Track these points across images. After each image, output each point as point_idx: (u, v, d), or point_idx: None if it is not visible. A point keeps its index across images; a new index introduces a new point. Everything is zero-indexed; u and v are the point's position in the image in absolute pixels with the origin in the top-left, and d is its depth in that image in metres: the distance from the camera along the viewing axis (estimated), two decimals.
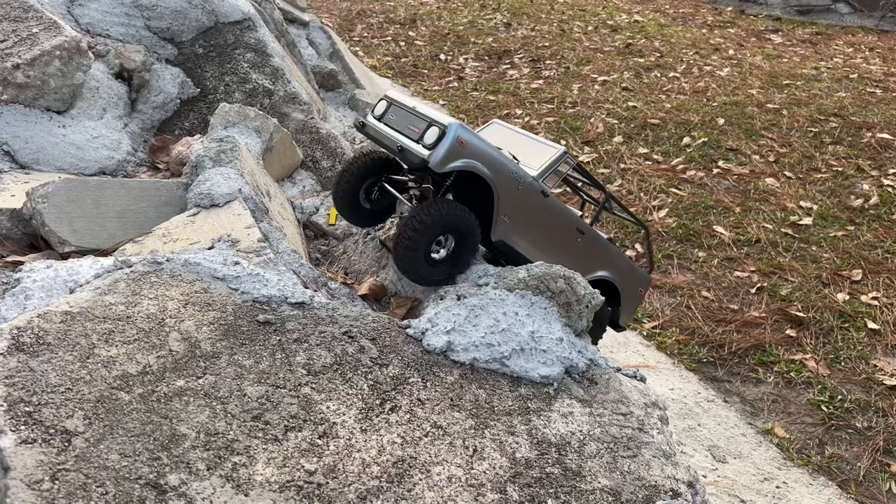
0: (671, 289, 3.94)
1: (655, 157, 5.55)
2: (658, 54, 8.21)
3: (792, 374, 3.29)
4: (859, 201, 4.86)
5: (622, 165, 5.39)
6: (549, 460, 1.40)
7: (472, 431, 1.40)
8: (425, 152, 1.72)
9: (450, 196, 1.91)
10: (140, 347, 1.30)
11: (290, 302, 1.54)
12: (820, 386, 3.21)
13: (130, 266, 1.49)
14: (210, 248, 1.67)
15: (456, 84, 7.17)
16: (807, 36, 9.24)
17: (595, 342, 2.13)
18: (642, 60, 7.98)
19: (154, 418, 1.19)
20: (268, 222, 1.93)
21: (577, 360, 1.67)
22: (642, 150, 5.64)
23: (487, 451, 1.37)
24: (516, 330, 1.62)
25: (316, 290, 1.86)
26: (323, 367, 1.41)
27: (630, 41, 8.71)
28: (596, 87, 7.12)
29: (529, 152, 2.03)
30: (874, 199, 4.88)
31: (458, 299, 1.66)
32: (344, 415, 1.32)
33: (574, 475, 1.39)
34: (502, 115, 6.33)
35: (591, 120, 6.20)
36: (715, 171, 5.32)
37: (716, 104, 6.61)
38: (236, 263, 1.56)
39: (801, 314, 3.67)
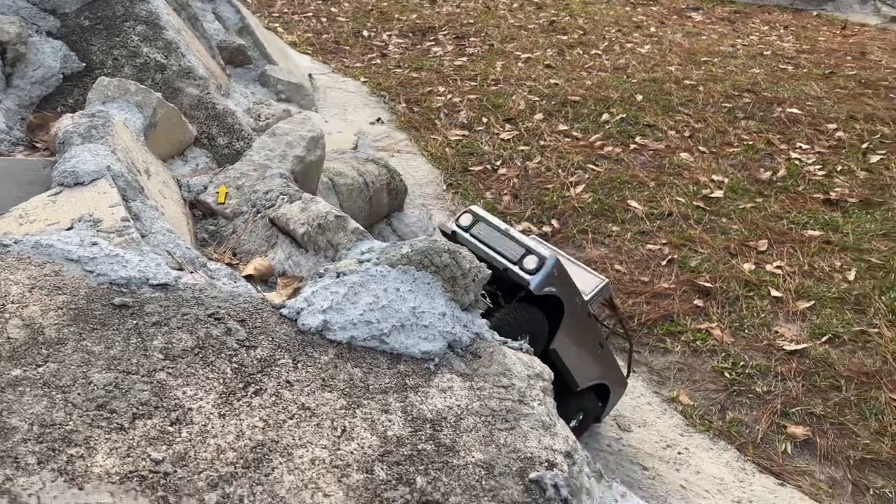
0: (585, 263, 3.97)
1: (575, 133, 5.58)
2: (581, 32, 8.25)
3: (698, 342, 3.36)
4: (768, 174, 5.00)
5: (542, 142, 5.40)
6: (423, 437, 1.37)
7: (343, 411, 1.36)
8: (528, 277, 2.10)
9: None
10: None
11: (152, 283, 1.46)
12: (724, 353, 3.29)
13: None
14: (69, 229, 1.57)
15: (378, 61, 7.05)
16: (726, 14, 9.43)
17: (581, 433, 2.62)
18: (565, 38, 8.01)
19: None
20: (141, 201, 1.83)
21: (460, 334, 1.64)
22: (562, 127, 5.67)
23: (357, 430, 1.33)
24: (397, 306, 1.58)
25: (192, 272, 1.78)
26: (182, 352, 1.34)
27: (554, 18, 8.72)
28: (519, 64, 7.11)
29: (578, 277, 2.37)
30: (782, 172, 5.03)
31: (338, 276, 1.61)
32: (201, 400, 1.26)
33: (447, 450, 1.36)
34: (425, 93, 6.26)
35: (514, 97, 6.19)
36: (632, 146, 5.38)
37: (635, 81, 6.69)
38: (94, 244, 1.47)
39: (708, 284, 3.75)
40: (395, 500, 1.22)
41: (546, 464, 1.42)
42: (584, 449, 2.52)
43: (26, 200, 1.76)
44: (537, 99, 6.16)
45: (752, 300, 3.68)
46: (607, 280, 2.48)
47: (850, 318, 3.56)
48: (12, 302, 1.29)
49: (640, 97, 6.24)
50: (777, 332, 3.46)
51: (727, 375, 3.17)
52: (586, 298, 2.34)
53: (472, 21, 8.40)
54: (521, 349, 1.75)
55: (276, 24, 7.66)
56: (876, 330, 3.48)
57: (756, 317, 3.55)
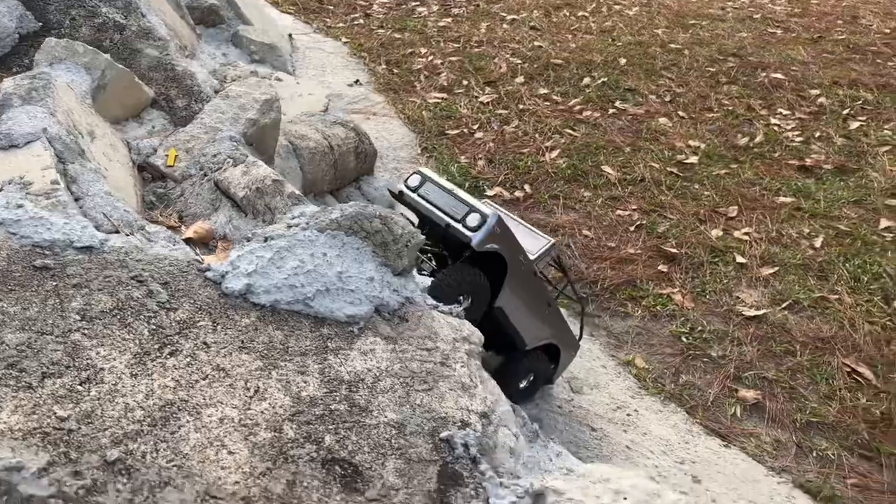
0: (553, 228, 3.99)
1: (555, 97, 5.55)
2: None
3: (658, 307, 3.40)
4: (745, 140, 4.99)
5: (521, 106, 5.38)
6: (337, 398, 1.41)
7: (259, 373, 1.40)
8: (469, 234, 2.14)
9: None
10: None
11: (76, 246, 1.49)
12: (683, 318, 3.33)
13: None
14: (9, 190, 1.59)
15: (362, 21, 6.97)
16: None
17: (532, 394, 2.71)
18: None
19: None
20: (80, 164, 1.85)
21: (388, 298, 1.67)
22: (543, 91, 5.63)
23: (271, 391, 1.37)
24: (323, 271, 1.61)
25: (129, 234, 1.80)
26: (101, 313, 1.37)
27: None
28: (504, 26, 7.02)
29: (526, 238, 2.43)
30: (759, 138, 5.02)
31: (266, 241, 1.64)
32: (114, 360, 1.30)
33: (361, 411, 1.40)
34: (406, 54, 6.21)
35: (496, 60, 6.14)
36: (611, 111, 5.36)
37: (620, 44, 6.63)
38: (19, 207, 1.50)
39: (673, 250, 3.78)
40: (301, 458, 1.27)
41: (459, 423, 1.47)
42: (534, 409, 2.58)
43: None
44: (520, 62, 6.11)
45: (717, 266, 3.71)
46: (554, 240, 2.51)
47: (812, 285, 3.59)
48: None
49: (623, 61, 6.18)
50: (738, 297, 3.50)
51: (684, 340, 3.21)
52: (532, 258, 2.38)
53: None
54: (452, 313, 1.78)
55: None
56: (836, 296, 3.52)
57: (718, 283, 3.59)
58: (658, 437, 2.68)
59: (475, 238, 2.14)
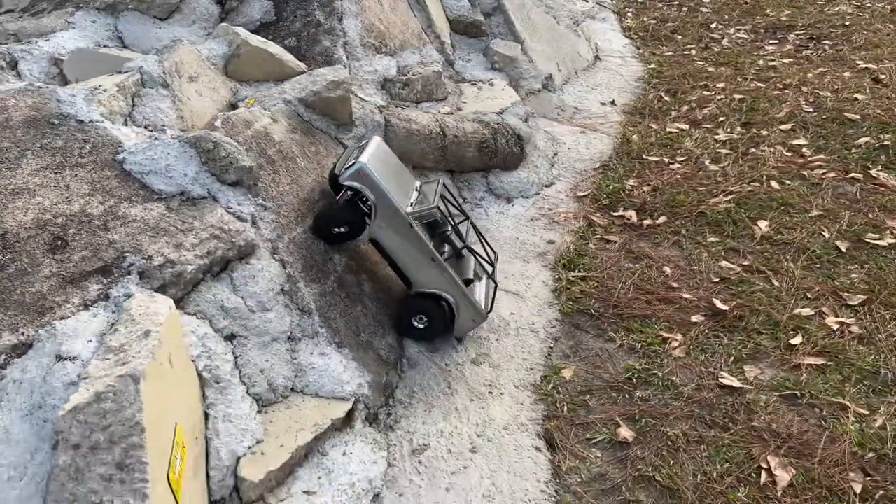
0: (639, 257, 4.09)
1: (805, 150, 5.13)
2: None
3: (641, 344, 3.39)
4: None
5: (752, 150, 5.17)
6: (102, 219, 2.53)
7: (82, 194, 2.60)
8: (342, 170, 2.96)
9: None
10: None
11: (76, 118, 2.89)
12: (653, 361, 3.28)
13: (25, 83, 3.01)
14: (85, 90, 3.10)
15: (693, 52, 7.17)
16: None
17: (429, 337, 3.24)
18: None
19: None
20: (155, 89, 3.27)
21: (192, 189, 2.68)
22: (798, 142, 5.24)
23: (75, 202, 2.56)
24: (160, 161, 2.71)
25: (151, 130, 3.16)
26: (52, 148, 2.75)
27: None
28: (846, 74, 6.41)
29: (427, 196, 3.20)
30: None
31: (155, 140, 2.80)
32: (29, 166, 2.65)
33: (104, 228, 2.49)
34: (697, 86, 6.32)
35: (785, 104, 5.82)
36: (851, 174, 4.76)
37: None
38: (73, 96, 2.96)
39: (724, 307, 3.57)
40: (49, 229, 2.44)
41: (146, 256, 2.43)
42: (424, 356, 3.17)
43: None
44: (810, 110, 5.67)
45: (757, 337, 3.40)
46: (434, 206, 3.05)
47: (849, 391, 3.06)
48: (10, 108, 2.84)
49: None
50: (741, 369, 3.23)
51: (628, 375, 3.22)
52: (409, 210, 2.99)
53: (847, 24, 7.57)
54: (242, 219, 2.67)
55: (630, 9, 8.25)
56: (867, 412, 2.96)
57: (738, 350, 3.33)
58: (487, 415, 2.97)
59: (343, 174, 2.94)
